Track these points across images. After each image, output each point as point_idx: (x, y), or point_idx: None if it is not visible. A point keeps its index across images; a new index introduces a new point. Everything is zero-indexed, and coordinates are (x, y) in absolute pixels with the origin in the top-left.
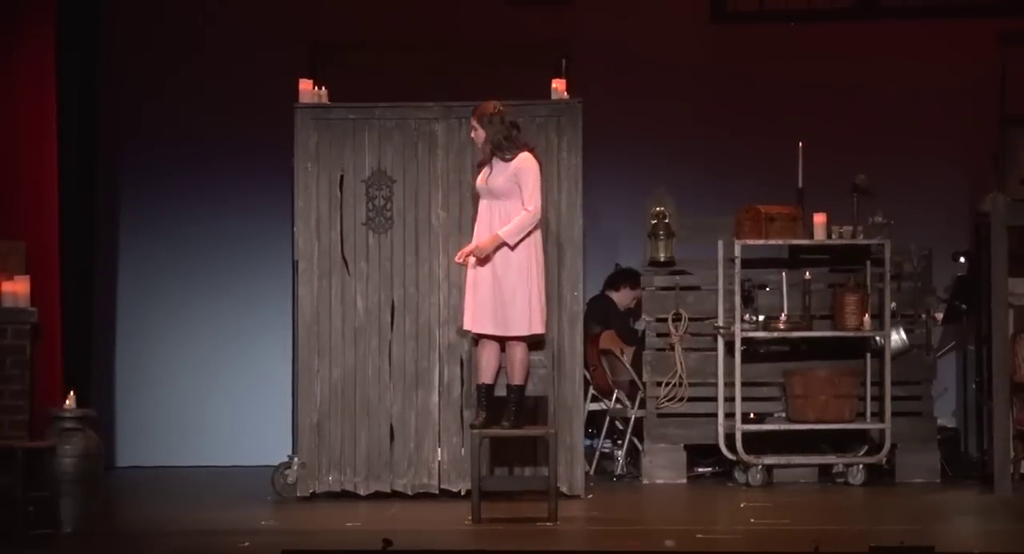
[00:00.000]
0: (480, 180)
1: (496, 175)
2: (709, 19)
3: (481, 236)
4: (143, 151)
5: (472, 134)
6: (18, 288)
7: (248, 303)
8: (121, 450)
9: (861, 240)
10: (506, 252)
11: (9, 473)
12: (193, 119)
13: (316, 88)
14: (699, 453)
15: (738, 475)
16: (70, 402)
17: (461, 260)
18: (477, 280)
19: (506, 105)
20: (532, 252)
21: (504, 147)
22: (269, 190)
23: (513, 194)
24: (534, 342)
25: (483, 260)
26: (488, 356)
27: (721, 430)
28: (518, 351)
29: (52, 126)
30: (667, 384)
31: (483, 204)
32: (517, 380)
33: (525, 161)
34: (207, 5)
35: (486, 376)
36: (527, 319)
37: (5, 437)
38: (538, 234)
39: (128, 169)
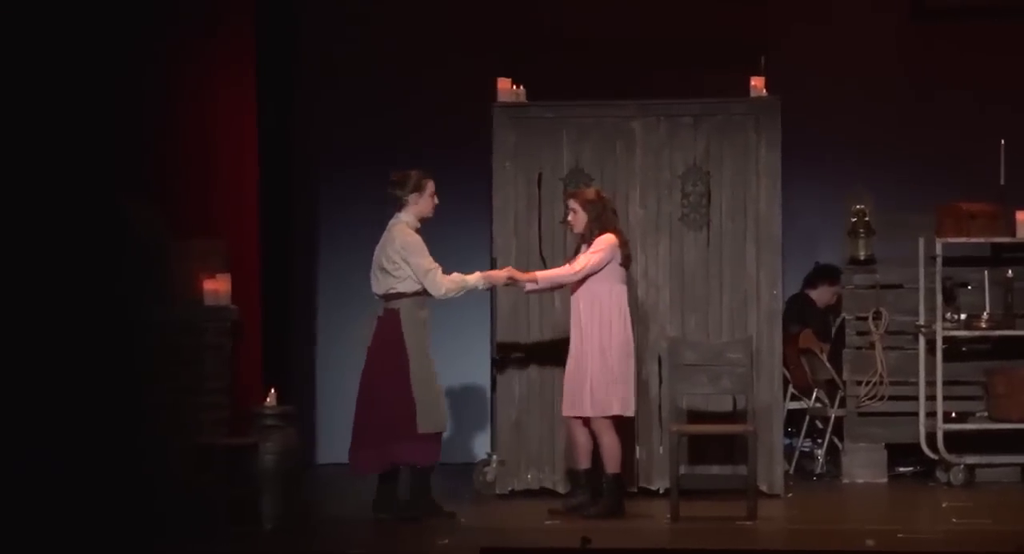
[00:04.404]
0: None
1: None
2: (909, 17)
3: (577, 310)
4: (339, 149)
5: (570, 217)
6: (219, 286)
7: (446, 301)
8: (322, 447)
9: None
10: (580, 332)
11: (210, 470)
12: (388, 117)
13: (514, 87)
14: (900, 452)
15: (939, 475)
16: (271, 399)
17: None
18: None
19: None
20: (602, 332)
21: (595, 233)
22: (466, 189)
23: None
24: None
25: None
26: (579, 440)
27: (922, 429)
28: (603, 438)
29: (251, 126)
30: (868, 383)
31: None
32: (608, 469)
33: (603, 237)
34: (403, 8)
35: (579, 461)
36: (588, 400)
37: (206, 435)
38: (616, 309)
39: (325, 167)
